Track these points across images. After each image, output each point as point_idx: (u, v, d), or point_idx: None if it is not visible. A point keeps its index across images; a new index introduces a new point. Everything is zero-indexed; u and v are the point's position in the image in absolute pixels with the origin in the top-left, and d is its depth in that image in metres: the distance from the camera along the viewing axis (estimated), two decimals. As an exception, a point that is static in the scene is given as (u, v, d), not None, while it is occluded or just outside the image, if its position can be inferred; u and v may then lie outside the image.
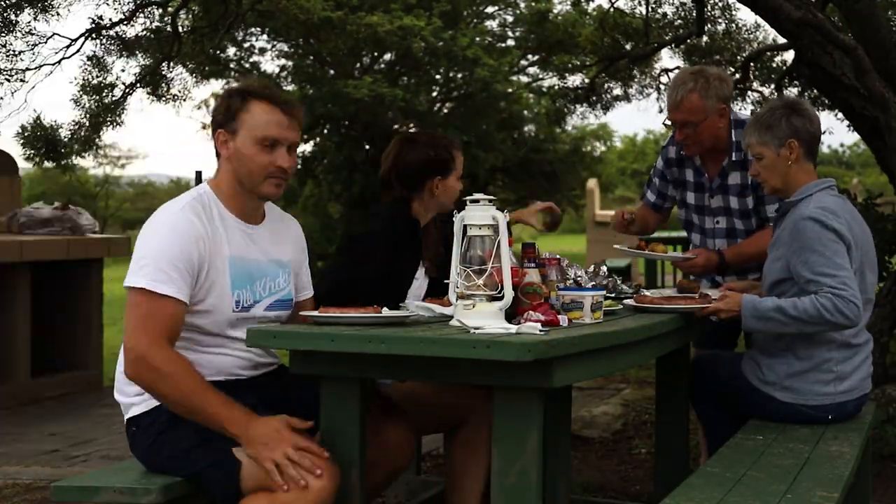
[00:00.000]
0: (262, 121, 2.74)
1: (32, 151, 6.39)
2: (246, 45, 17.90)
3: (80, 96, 6.66)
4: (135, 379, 2.58)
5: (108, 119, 6.64)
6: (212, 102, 18.05)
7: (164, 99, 7.19)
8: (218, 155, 2.82)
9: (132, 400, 2.71)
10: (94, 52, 6.68)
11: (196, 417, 2.55)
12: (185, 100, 7.33)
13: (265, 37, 17.94)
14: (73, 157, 6.75)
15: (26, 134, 6.31)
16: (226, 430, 2.52)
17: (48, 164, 6.70)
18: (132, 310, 2.58)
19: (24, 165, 7.34)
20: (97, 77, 6.67)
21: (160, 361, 2.53)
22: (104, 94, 6.69)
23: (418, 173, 3.42)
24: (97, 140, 6.72)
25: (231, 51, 17.61)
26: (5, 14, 5.85)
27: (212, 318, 2.70)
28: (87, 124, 6.56)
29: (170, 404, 2.59)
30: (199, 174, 6.02)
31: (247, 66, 18.10)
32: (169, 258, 2.60)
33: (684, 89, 3.71)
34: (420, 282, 3.38)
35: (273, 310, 2.84)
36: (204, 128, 19.40)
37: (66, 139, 6.46)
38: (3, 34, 5.89)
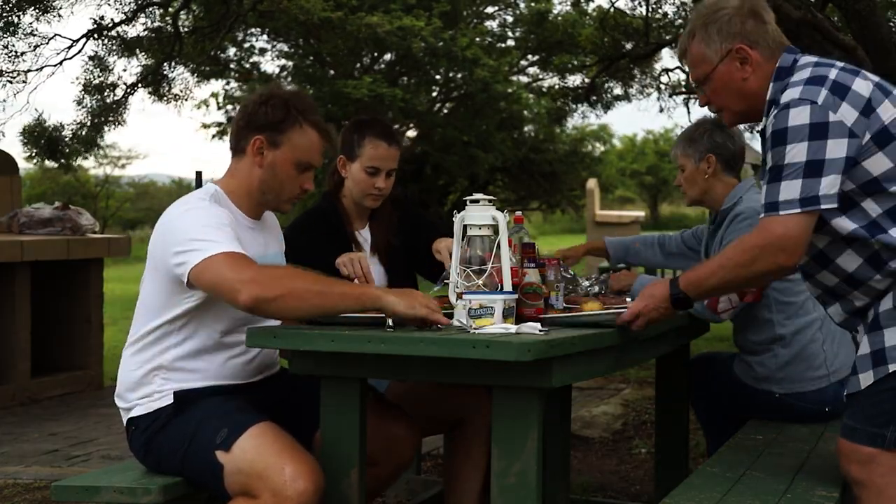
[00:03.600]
0: (308, 145, 2.75)
1: (35, 151, 6.40)
2: (246, 45, 17.91)
3: (83, 97, 6.68)
4: (271, 316, 2.54)
5: (110, 119, 6.65)
6: (212, 102, 18.06)
7: (165, 99, 7.20)
8: (239, 153, 2.79)
9: (133, 404, 2.72)
10: (96, 52, 6.69)
11: (336, 311, 2.50)
12: (186, 100, 7.34)
13: (265, 37, 17.96)
14: (75, 158, 6.76)
15: (28, 134, 6.33)
16: (366, 308, 2.49)
17: (50, 164, 6.72)
18: (217, 274, 2.49)
19: (24, 165, 7.35)
20: (99, 77, 6.69)
21: (273, 291, 2.45)
22: (106, 94, 6.71)
23: (337, 153, 3.37)
24: (99, 140, 6.73)
25: (231, 51, 17.62)
26: (8, 16, 5.86)
27: (221, 316, 2.69)
28: (89, 124, 6.57)
29: (309, 316, 2.53)
30: (199, 174, 6.02)
31: (247, 66, 18.11)
32: (217, 226, 2.58)
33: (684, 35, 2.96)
34: (374, 275, 3.26)
35: None
36: (205, 127, 19.38)
37: (68, 139, 6.48)
38: (5, 35, 5.90)
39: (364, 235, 3.44)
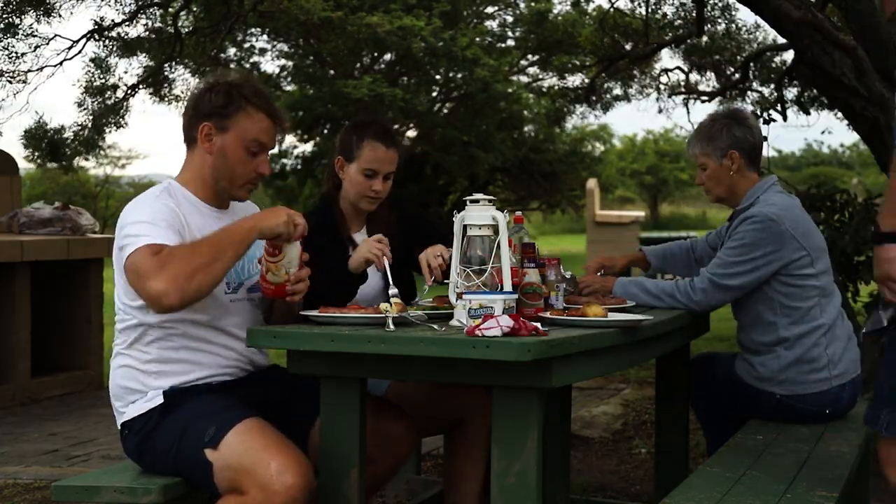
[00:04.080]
0: (256, 127, 2.74)
1: (37, 153, 6.41)
2: (246, 45, 17.91)
3: (84, 98, 6.68)
4: (175, 306, 2.51)
5: (111, 120, 6.65)
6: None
7: (167, 99, 7.20)
8: (191, 143, 2.79)
9: (126, 406, 2.72)
10: (97, 53, 6.70)
11: (222, 262, 2.51)
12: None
13: (265, 37, 17.95)
14: (77, 159, 6.77)
15: (30, 136, 6.33)
16: (246, 242, 2.55)
17: (51, 166, 6.73)
18: (135, 270, 2.52)
19: (24, 165, 7.34)
20: (100, 78, 6.69)
21: (172, 278, 2.45)
22: (107, 96, 6.71)
23: (335, 154, 3.34)
24: (100, 141, 6.73)
25: (231, 51, 17.61)
26: (9, 17, 5.86)
27: (204, 304, 2.67)
28: (90, 125, 6.57)
29: (206, 276, 2.50)
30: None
31: (247, 66, 18.10)
32: (155, 220, 2.60)
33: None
34: (370, 277, 3.24)
35: (255, 291, 2.83)
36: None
37: (69, 141, 6.48)
38: (6, 36, 5.90)
39: (361, 238, 3.42)
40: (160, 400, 2.66)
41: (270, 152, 2.87)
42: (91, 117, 6.68)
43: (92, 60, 6.68)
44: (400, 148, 3.45)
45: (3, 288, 6.22)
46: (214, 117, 2.73)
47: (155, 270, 2.46)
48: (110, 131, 6.84)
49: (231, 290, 2.77)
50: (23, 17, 5.92)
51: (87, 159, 7.19)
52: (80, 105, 6.74)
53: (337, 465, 2.59)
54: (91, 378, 6.81)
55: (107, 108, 6.67)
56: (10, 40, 5.94)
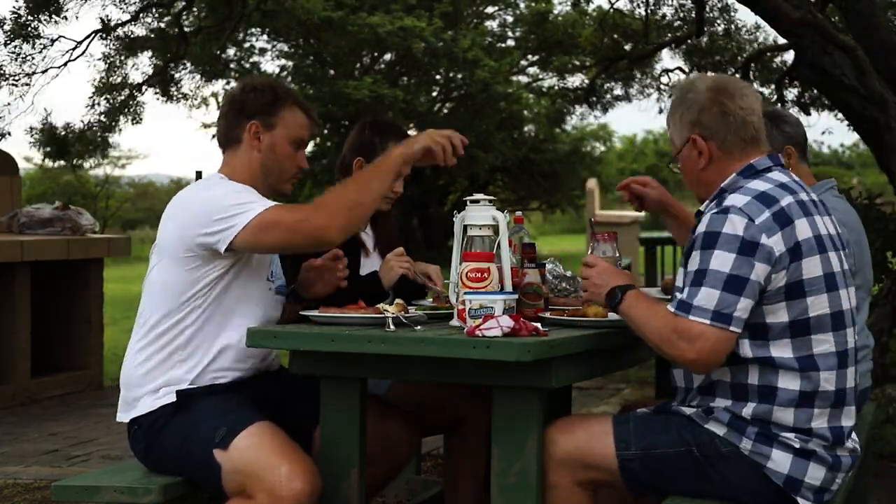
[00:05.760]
0: (299, 122, 2.85)
1: (46, 151, 6.41)
2: (246, 45, 17.90)
3: (94, 97, 6.69)
4: (337, 239, 2.64)
5: (126, 117, 6.66)
6: (212, 102, 18.03)
7: (174, 99, 7.21)
8: (233, 143, 2.83)
9: (137, 401, 2.72)
10: (105, 52, 6.71)
11: (371, 195, 2.65)
12: (196, 99, 7.35)
13: (265, 37, 17.95)
14: (86, 158, 6.77)
15: (38, 135, 6.34)
16: (393, 171, 2.67)
17: (58, 164, 6.73)
18: (275, 224, 2.59)
19: (24, 165, 7.34)
20: (111, 77, 6.70)
21: (329, 216, 2.60)
22: (116, 95, 6.72)
23: (348, 157, 3.38)
24: (110, 139, 6.75)
25: (231, 51, 17.61)
26: (24, 23, 5.87)
27: (256, 279, 2.77)
28: (101, 123, 6.58)
29: (360, 210, 2.66)
30: (199, 174, 6.02)
31: (247, 66, 18.10)
32: (247, 190, 2.69)
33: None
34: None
35: (281, 293, 2.92)
36: (205, 127, 19.37)
37: (76, 140, 6.49)
38: (14, 39, 5.91)
39: (367, 234, 3.45)
40: (173, 398, 2.66)
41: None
42: (101, 116, 6.69)
43: (103, 59, 6.69)
44: None
45: (3, 288, 6.23)
46: (261, 115, 2.81)
47: (311, 211, 2.61)
48: (124, 128, 6.86)
49: (270, 279, 2.85)
50: (33, 21, 5.94)
51: (100, 157, 7.17)
52: (91, 104, 6.74)
53: (337, 465, 2.59)
54: (91, 378, 6.81)
55: (119, 105, 6.68)
56: (17, 42, 5.95)
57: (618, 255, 2.77)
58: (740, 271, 2.34)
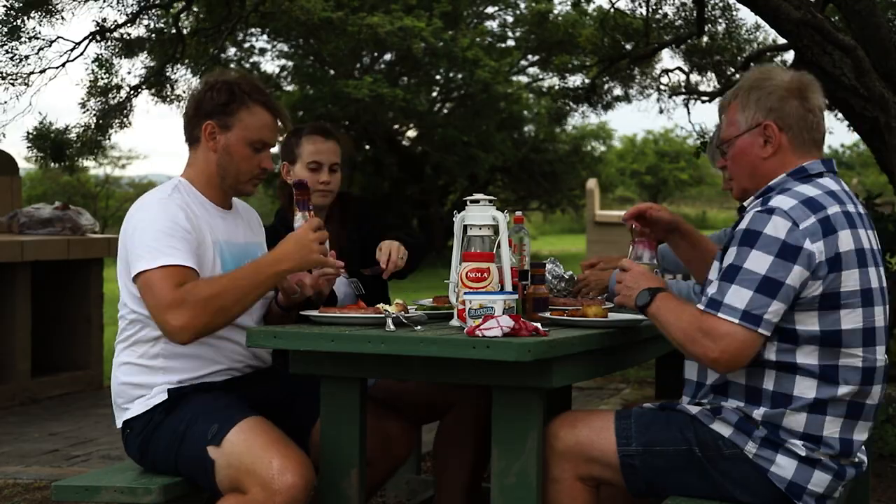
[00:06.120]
0: (258, 123, 2.77)
1: (42, 154, 6.40)
2: (246, 45, 17.89)
3: (87, 99, 6.67)
4: (187, 342, 2.57)
5: (116, 120, 6.64)
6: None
7: (169, 100, 7.19)
8: (194, 142, 2.81)
9: (129, 403, 2.72)
10: (100, 54, 6.69)
11: (241, 306, 2.59)
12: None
13: (265, 37, 17.94)
14: (81, 160, 6.75)
15: (34, 137, 6.32)
16: (274, 278, 2.62)
17: (55, 166, 6.71)
18: (147, 292, 2.56)
19: (24, 165, 7.34)
20: (104, 79, 6.68)
21: (191, 317, 2.51)
22: (111, 97, 6.70)
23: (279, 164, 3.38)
24: (103, 142, 6.73)
25: (231, 51, 17.61)
26: (14, 21, 5.85)
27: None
28: (93, 126, 6.57)
29: (224, 318, 2.58)
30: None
31: (247, 66, 18.10)
32: (174, 231, 2.61)
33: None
34: (338, 286, 3.20)
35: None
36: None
37: (73, 141, 6.47)
38: (9, 40, 5.90)
39: None
40: (164, 397, 2.66)
41: (272, 150, 2.90)
42: (95, 118, 6.67)
43: (95, 61, 6.67)
44: (339, 140, 3.47)
45: (3, 288, 6.22)
46: (217, 116, 2.75)
47: (174, 304, 2.50)
48: (115, 132, 6.82)
49: None
50: (27, 19, 5.92)
51: (94, 160, 7.16)
52: (83, 106, 6.72)
53: (337, 465, 2.60)
54: (91, 378, 6.81)
55: (110, 109, 6.66)
56: (13, 43, 5.93)
57: (655, 262, 2.72)
58: (776, 274, 2.31)
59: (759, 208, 2.38)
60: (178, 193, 2.74)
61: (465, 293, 2.54)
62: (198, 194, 2.79)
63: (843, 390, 2.39)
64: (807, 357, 2.38)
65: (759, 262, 2.32)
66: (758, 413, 2.40)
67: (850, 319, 2.38)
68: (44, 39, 6.17)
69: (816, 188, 2.42)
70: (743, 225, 2.38)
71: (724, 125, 2.59)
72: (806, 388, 2.38)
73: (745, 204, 2.53)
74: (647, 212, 2.77)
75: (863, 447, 2.52)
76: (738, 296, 2.32)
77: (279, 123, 2.83)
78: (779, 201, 2.38)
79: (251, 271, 2.61)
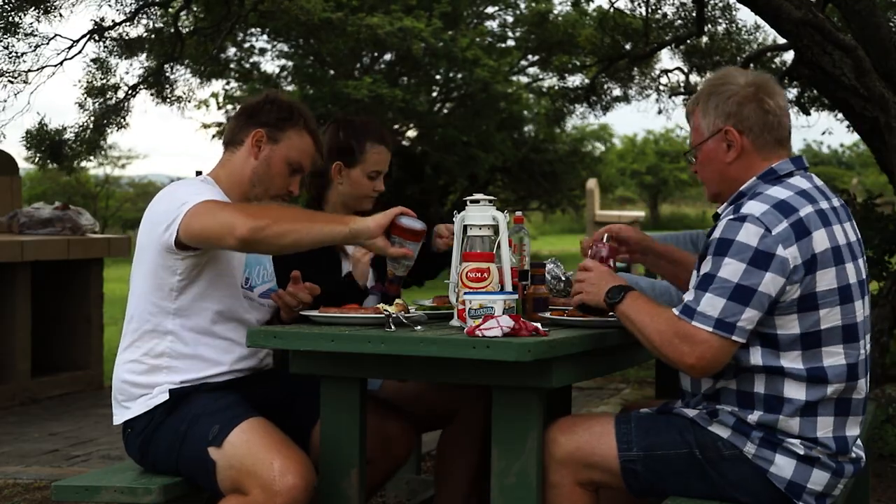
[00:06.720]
0: (304, 147, 2.85)
1: (39, 155, 6.40)
2: (246, 45, 17.89)
3: (85, 99, 6.67)
4: (265, 247, 2.60)
5: (113, 121, 6.64)
6: (212, 103, 18.04)
7: (168, 101, 7.19)
8: (235, 144, 2.84)
9: (130, 402, 2.72)
10: (98, 53, 6.68)
11: (300, 235, 2.57)
12: (189, 101, 7.32)
13: (265, 37, 17.94)
14: (79, 161, 6.75)
15: (31, 138, 6.32)
16: (342, 233, 2.61)
17: (53, 167, 6.71)
18: (207, 217, 2.56)
19: (24, 165, 7.33)
20: (101, 79, 6.68)
21: (261, 220, 2.52)
22: (108, 97, 6.70)
23: (326, 159, 3.30)
24: (102, 142, 6.73)
25: (231, 51, 17.61)
26: (9, 16, 5.85)
27: (225, 283, 2.73)
28: (91, 126, 6.56)
29: (295, 242, 2.57)
30: (199, 174, 6.02)
31: (247, 66, 18.10)
32: (201, 188, 2.69)
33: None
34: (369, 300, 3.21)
35: (266, 297, 2.90)
36: (205, 127, 19.36)
37: (71, 142, 6.47)
38: (6, 36, 5.89)
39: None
40: (165, 397, 2.66)
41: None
42: (92, 118, 6.67)
43: (93, 61, 6.67)
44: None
45: (3, 288, 6.23)
46: (270, 127, 2.81)
47: (239, 208, 2.59)
48: (112, 132, 6.82)
49: (246, 287, 2.83)
50: (23, 15, 5.91)
51: (89, 160, 7.16)
52: (80, 106, 6.73)
53: (337, 465, 2.60)
54: (91, 378, 6.81)
55: (108, 109, 6.66)
56: (10, 40, 5.93)
57: (615, 264, 2.74)
58: (748, 282, 2.32)
59: (731, 216, 2.40)
60: (209, 184, 2.79)
61: (465, 293, 2.54)
62: (222, 194, 2.81)
63: (830, 389, 2.40)
64: (792, 362, 2.39)
65: (731, 270, 2.33)
66: (752, 417, 2.42)
67: (830, 318, 2.39)
68: (41, 36, 6.17)
69: (787, 189, 2.43)
70: (717, 234, 2.40)
71: (691, 131, 2.61)
72: (795, 391, 2.39)
73: (718, 211, 2.55)
74: (616, 233, 2.79)
75: (858, 441, 2.53)
76: (712, 304, 2.34)
77: (317, 155, 2.90)
78: (750, 207, 2.39)
79: (330, 219, 2.71)
